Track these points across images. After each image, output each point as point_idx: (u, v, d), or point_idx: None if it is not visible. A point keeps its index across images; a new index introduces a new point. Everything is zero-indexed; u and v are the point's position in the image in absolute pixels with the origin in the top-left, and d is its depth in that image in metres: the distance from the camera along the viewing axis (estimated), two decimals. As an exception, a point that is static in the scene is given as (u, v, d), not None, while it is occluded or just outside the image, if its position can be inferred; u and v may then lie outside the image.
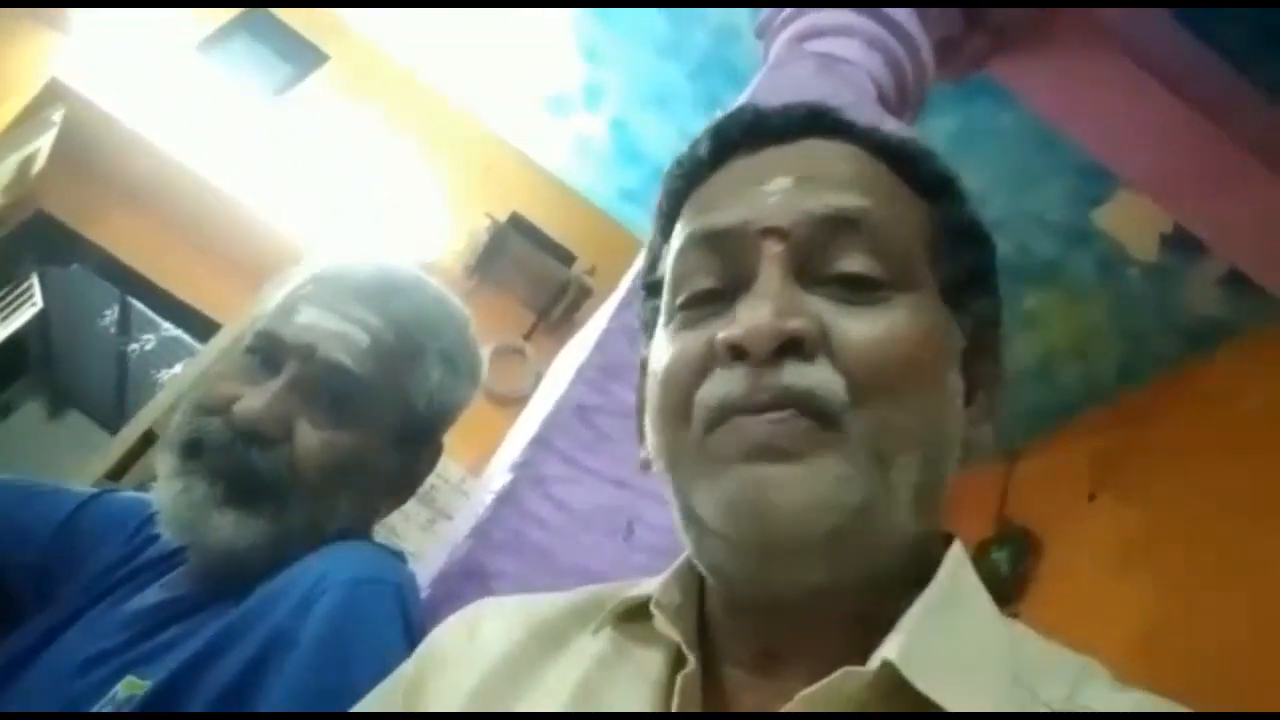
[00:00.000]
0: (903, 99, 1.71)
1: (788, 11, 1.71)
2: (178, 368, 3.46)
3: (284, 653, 0.71)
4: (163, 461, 0.86)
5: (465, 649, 0.60)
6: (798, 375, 0.47)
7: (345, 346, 0.87)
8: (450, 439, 1.02)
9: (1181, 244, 2.53)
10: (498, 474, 1.07)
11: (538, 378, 2.21)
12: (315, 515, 0.84)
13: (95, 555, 0.92)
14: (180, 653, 0.75)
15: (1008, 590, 2.77)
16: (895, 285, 0.52)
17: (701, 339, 0.51)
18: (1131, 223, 2.60)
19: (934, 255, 0.55)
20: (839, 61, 1.59)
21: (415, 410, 0.92)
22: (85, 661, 0.79)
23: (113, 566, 0.91)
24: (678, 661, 0.51)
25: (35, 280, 3.37)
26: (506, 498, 1.00)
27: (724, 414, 0.48)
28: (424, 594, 0.92)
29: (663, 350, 0.54)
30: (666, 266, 0.58)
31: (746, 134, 0.58)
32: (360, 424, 0.87)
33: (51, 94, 2.84)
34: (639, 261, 1.26)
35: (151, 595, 0.86)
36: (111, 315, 3.94)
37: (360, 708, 0.63)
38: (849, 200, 0.53)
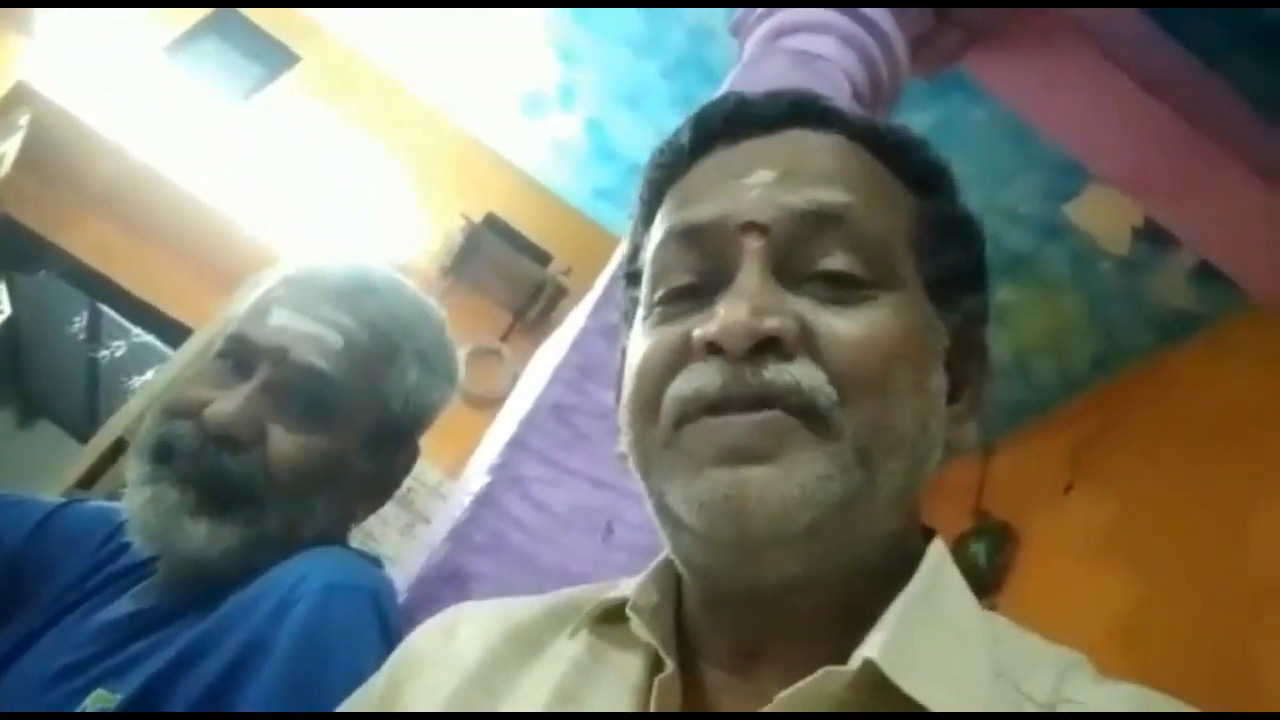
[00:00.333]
0: (876, 95, 1.71)
1: (762, 9, 1.72)
2: (149, 374, 3.41)
3: (258, 661, 0.70)
4: (132, 468, 0.84)
5: (442, 654, 0.59)
6: (780, 372, 0.47)
7: (318, 349, 0.86)
8: (428, 442, 1.00)
9: (1153, 237, 2.56)
10: (475, 476, 1.06)
11: (515, 379, 2.20)
12: (290, 520, 0.83)
13: (64, 566, 0.90)
14: (152, 664, 0.73)
15: (986, 582, 2.79)
16: (878, 284, 0.51)
17: (677, 334, 0.50)
18: (1103, 216, 2.63)
19: (920, 250, 0.54)
20: (814, 58, 1.59)
21: (391, 412, 0.91)
22: (54, 675, 0.77)
23: (82, 577, 0.89)
24: (656, 664, 0.50)
25: (2, 287, 3.32)
26: (485, 499, 0.99)
27: (697, 408, 0.47)
28: (402, 598, 0.91)
29: (638, 344, 0.53)
30: (646, 259, 0.57)
31: (728, 123, 0.57)
32: (335, 427, 0.86)
33: (17, 98, 2.80)
34: (615, 261, 1.26)
35: (121, 606, 0.84)
36: (81, 322, 3.88)
37: None
38: (832, 196, 0.52)
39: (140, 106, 2.95)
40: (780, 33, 1.65)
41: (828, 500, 0.46)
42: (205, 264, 3.03)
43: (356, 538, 0.97)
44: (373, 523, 2.67)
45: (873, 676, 0.43)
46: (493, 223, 3.30)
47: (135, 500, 0.81)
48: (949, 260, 0.55)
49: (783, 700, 0.43)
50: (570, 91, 3.06)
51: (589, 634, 0.55)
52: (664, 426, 0.49)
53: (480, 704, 0.54)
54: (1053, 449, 3.01)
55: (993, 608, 0.54)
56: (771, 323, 0.47)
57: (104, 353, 3.91)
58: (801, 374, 0.47)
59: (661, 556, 0.55)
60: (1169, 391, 2.75)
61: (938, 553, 0.52)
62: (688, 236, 0.53)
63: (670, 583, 0.54)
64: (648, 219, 0.59)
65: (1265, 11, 1.93)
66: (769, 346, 0.47)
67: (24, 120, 2.74)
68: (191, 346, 2.61)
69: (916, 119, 2.39)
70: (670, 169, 0.58)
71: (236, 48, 3.04)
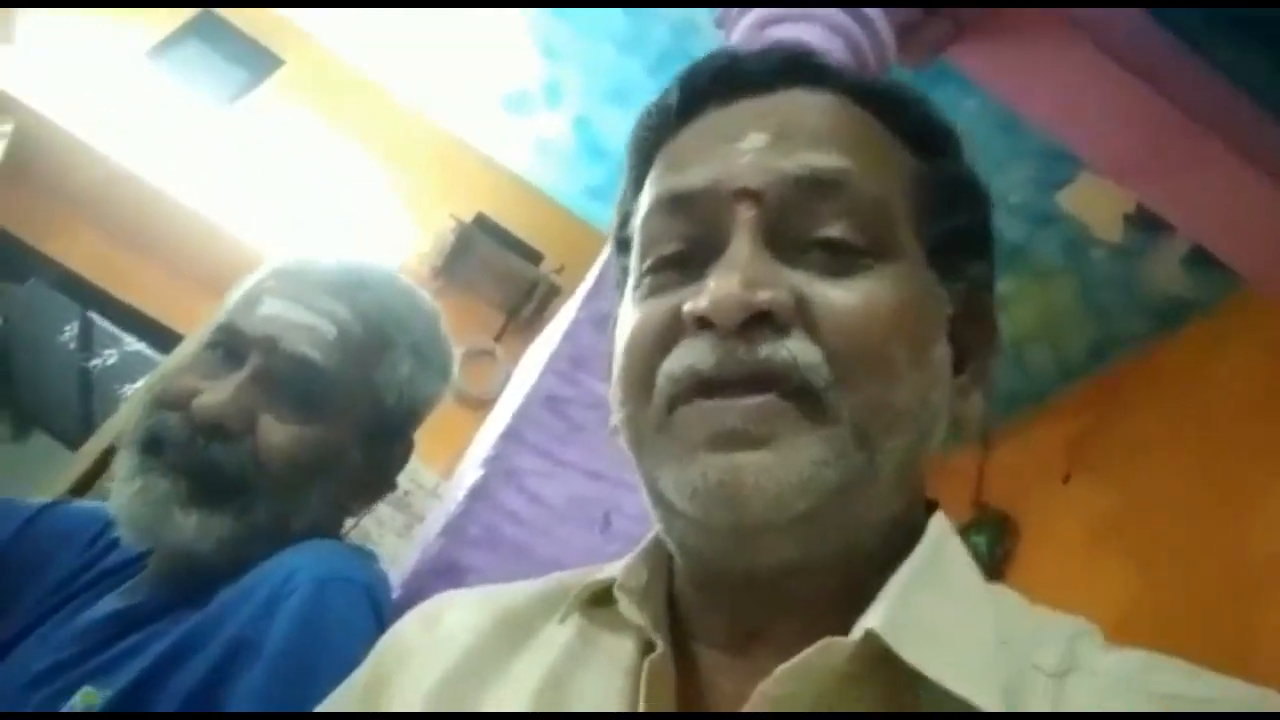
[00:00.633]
0: (865, 83, 1.71)
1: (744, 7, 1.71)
2: (141, 382, 3.40)
3: (250, 657, 0.68)
4: (121, 460, 0.82)
5: (427, 643, 0.57)
6: (774, 348, 0.45)
7: (310, 339, 0.84)
8: (424, 443, 0.99)
9: (1145, 223, 2.56)
10: (469, 469, 1.05)
11: (509, 379, 2.19)
12: (281, 512, 0.82)
13: (50, 567, 0.89)
14: (141, 661, 0.72)
15: (987, 573, 2.77)
16: (876, 253, 0.49)
17: (667, 307, 0.49)
18: (1095, 204, 2.63)
19: (922, 215, 0.52)
20: (800, 47, 1.58)
21: (385, 405, 0.90)
22: (39, 675, 0.76)
23: (69, 578, 0.88)
24: (649, 646, 0.49)
25: (-9, 298, 3.30)
26: (479, 492, 0.98)
27: (689, 386, 0.46)
28: (397, 594, 0.90)
29: (628, 317, 0.52)
30: (635, 226, 0.54)
31: (718, 83, 0.54)
32: (327, 418, 0.85)
33: (-1, 106, 2.78)
34: (604, 254, 1.25)
35: (109, 603, 0.82)
36: (72, 331, 3.86)
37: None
38: (827, 160, 0.49)
39: (124, 112, 2.94)
40: (765, 23, 1.65)
41: (825, 486, 0.44)
42: (193, 270, 3.01)
43: (354, 540, 0.96)
44: (370, 525, 2.66)
45: (875, 648, 0.42)
46: (483, 223, 3.29)
47: (124, 493, 0.80)
48: (952, 225, 0.53)
49: (783, 672, 0.42)
50: (556, 90, 3.05)
51: (579, 617, 0.54)
52: (657, 408, 0.47)
53: (470, 691, 0.52)
54: (1051, 439, 3.00)
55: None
56: (765, 295, 0.45)
57: (95, 362, 3.89)
58: (797, 350, 0.45)
59: (651, 535, 0.54)
60: (1166, 379, 2.75)
61: (940, 526, 0.50)
62: (677, 204, 0.51)
63: (661, 561, 0.53)
64: (637, 184, 0.57)
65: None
66: (762, 320, 0.45)
67: (6, 129, 2.72)
68: (181, 352, 2.60)
69: (906, 109, 2.39)
70: (659, 131, 0.56)
71: (219, 52, 3.02)
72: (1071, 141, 2.27)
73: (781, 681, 0.42)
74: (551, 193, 3.42)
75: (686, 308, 0.46)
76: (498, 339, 3.26)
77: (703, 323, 0.46)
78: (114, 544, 0.88)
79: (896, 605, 0.44)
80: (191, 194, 2.99)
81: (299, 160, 3.17)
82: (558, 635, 0.54)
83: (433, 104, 3.31)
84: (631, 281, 0.54)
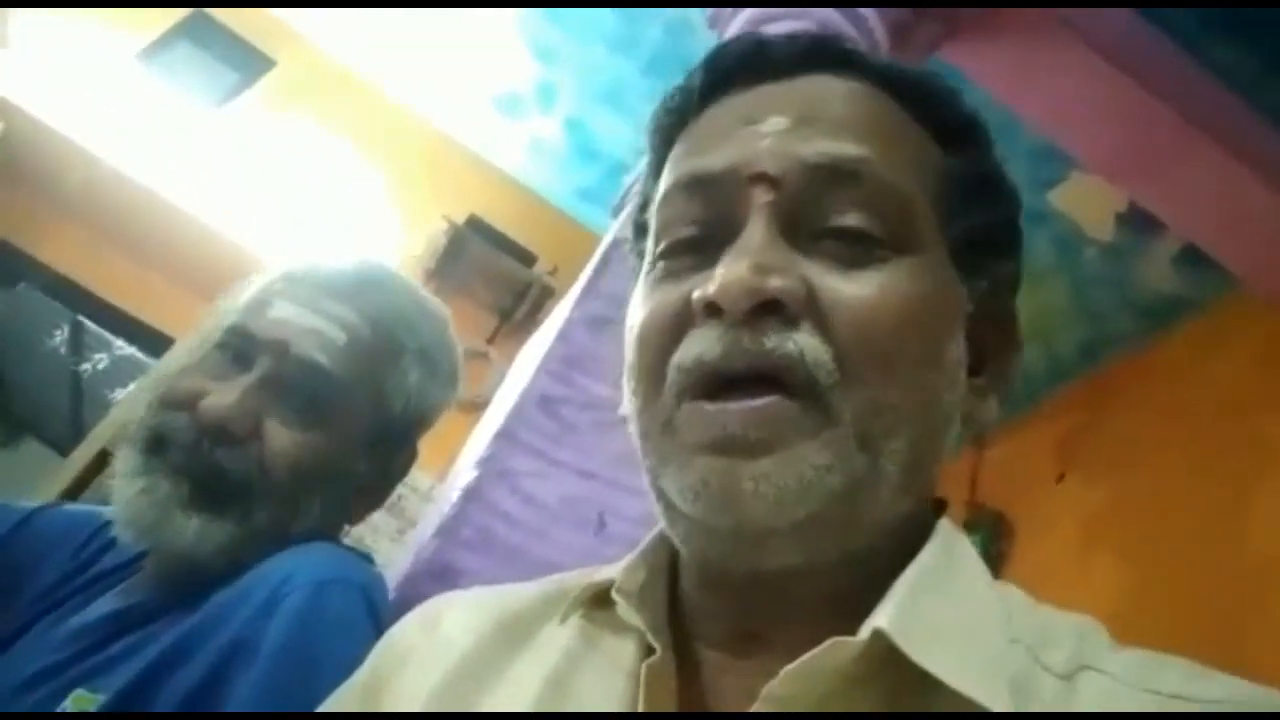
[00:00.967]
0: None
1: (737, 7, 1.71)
2: (132, 386, 3.38)
3: (248, 657, 0.68)
4: (123, 458, 0.81)
5: (427, 644, 0.56)
6: (780, 340, 0.44)
7: (320, 343, 0.84)
8: (418, 447, 0.98)
9: (1137, 222, 2.57)
10: (463, 470, 1.05)
11: (503, 380, 2.18)
12: (283, 517, 0.81)
13: (43, 570, 0.88)
14: (136, 663, 0.71)
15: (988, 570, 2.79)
16: (894, 245, 0.47)
17: (677, 295, 0.48)
18: (1087, 203, 2.63)
19: (944, 209, 0.50)
20: (793, 46, 1.58)
21: (391, 411, 0.89)
22: (33, 677, 0.75)
23: (62, 580, 0.87)
24: (650, 649, 0.48)
25: (-20, 302, 3.28)
26: (473, 494, 0.97)
27: (698, 379, 0.45)
28: (391, 596, 0.89)
29: (641, 304, 0.50)
30: (652, 210, 0.54)
31: (743, 67, 0.53)
32: (333, 424, 0.84)
33: (-11, 110, 2.77)
34: (598, 254, 1.24)
35: (103, 605, 0.81)
36: (62, 335, 3.83)
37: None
38: (847, 148, 0.48)
39: (115, 115, 2.93)
40: (758, 23, 1.64)
41: (827, 491, 0.43)
42: (185, 272, 3.01)
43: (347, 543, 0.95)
44: (363, 530, 2.65)
45: (882, 648, 0.41)
46: (476, 224, 3.29)
47: (126, 492, 0.79)
48: (976, 221, 0.52)
49: (789, 673, 0.41)
50: (548, 91, 3.05)
51: (580, 618, 0.53)
52: (665, 403, 0.47)
53: (470, 693, 0.52)
54: (1044, 438, 3.01)
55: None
56: (774, 283, 0.44)
57: (86, 366, 3.87)
58: (805, 345, 0.44)
59: (654, 533, 0.53)
60: (1158, 377, 2.76)
61: (948, 526, 0.50)
62: (694, 186, 0.50)
63: (662, 560, 0.52)
64: (657, 166, 0.55)
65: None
66: (771, 309, 0.44)
67: (-2, 131, 2.71)
68: (173, 355, 2.59)
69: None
70: (680, 114, 0.55)
71: (210, 53, 3.02)
72: (1063, 140, 2.27)
73: (787, 682, 0.41)
74: (544, 194, 3.42)
75: (695, 294, 0.46)
76: (491, 341, 3.26)
77: (711, 309, 0.45)
78: (108, 546, 0.87)
79: (904, 605, 0.43)
80: (183, 196, 2.98)
81: (291, 162, 3.16)
82: (558, 637, 0.53)
83: (425, 105, 3.31)
84: (646, 265, 0.53)
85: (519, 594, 0.58)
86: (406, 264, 3.16)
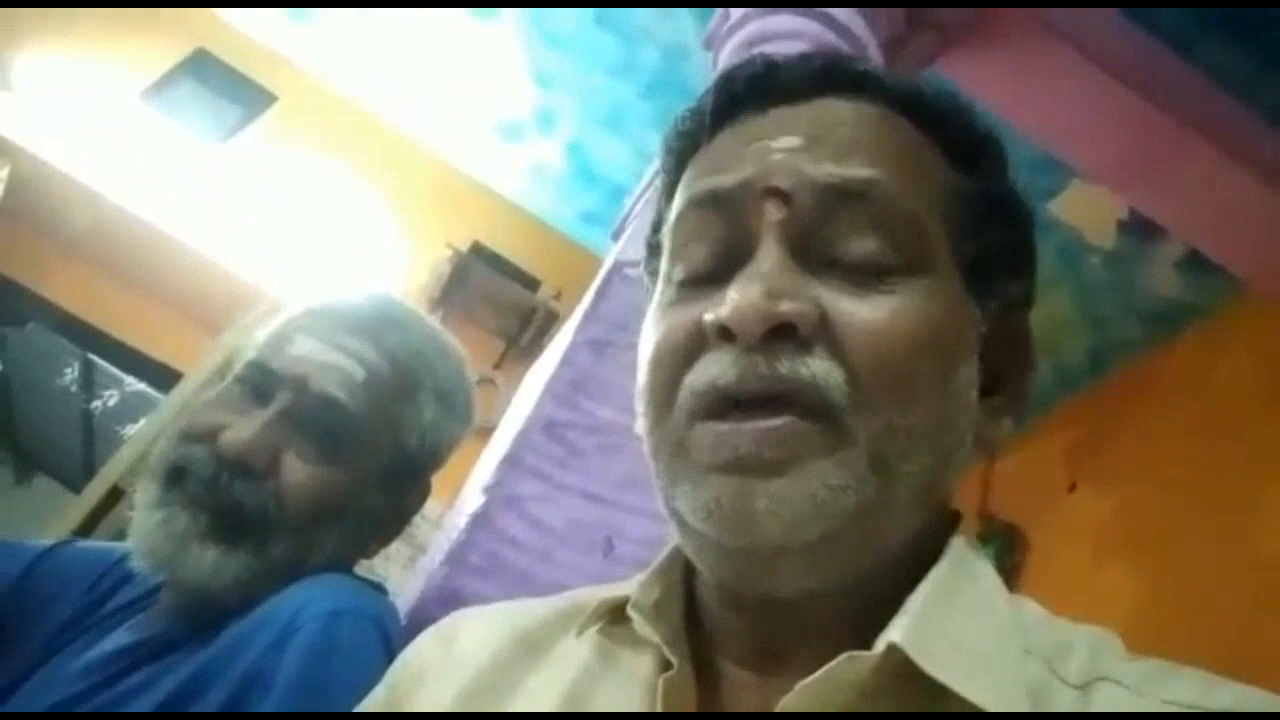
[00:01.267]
0: (853, 100, 1.72)
1: (735, 18, 1.72)
2: (142, 422, 3.39)
3: (262, 690, 0.68)
4: (143, 490, 0.82)
5: (443, 660, 0.57)
6: (795, 364, 0.44)
7: (339, 379, 0.85)
8: (430, 475, 0.99)
9: (1138, 228, 2.57)
10: (470, 496, 1.05)
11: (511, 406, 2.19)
12: (298, 551, 0.82)
13: (56, 607, 0.89)
14: (152, 695, 0.72)
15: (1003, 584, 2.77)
16: (906, 267, 0.47)
17: (690, 317, 0.48)
18: (1088, 211, 2.64)
19: (956, 230, 0.50)
20: (787, 66, 1.60)
21: (406, 447, 0.90)
22: (48, 710, 0.75)
23: (75, 618, 0.87)
24: (667, 663, 0.48)
25: (-10, 343, 3.31)
26: (480, 520, 0.98)
27: (711, 401, 0.45)
28: (402, 624, 0.89)
29: (653, 327, 0.51)
30: (667, 230, 0.54)
31: (754, 91, 0.53)
32: (349, 460, 0.85)
33: (-5, 152, 2.80)
34: (600, 276, 1.25)
35: (119, 638, 0.82)
36: (72, 373, 3.86)
37: None
38: (857, 170, 0.48)
39: (120, 153, 2.96)
40: (753, 43, 1.66)
41: (841, 511, 0.43)
42: (193, 307, 3.03)
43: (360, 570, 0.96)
44: (375, 558, 2.65)
45: (897, 662, 0.42)
46: (480, 251, 3.31)
47: (145, 523, 0.80)
48: (989, 242, 0.51)
49: (805, 686, 0.42)
50: (548, 117, 3.07)
51: (597, 634, 0.54)
52: (677, 423, 0.47)
53: (488, 706, 0.52)
54: (1054, 449, 3.00)
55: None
56: (787, 307, 0.44)
57: (96, 403, 3.89)
58: (818, 369, 0.44)
59: (669, 550, 0.54)
60: (1166, 384, 2.75)
61: (962, 540, 0.50)
62: (709, 203, 0.50)
63: (677, 577, 0.53)
64: (670, 190, 0.56)
65: (1233, -3, 1.95)
66: (785, 334, 0.44)
67: (3, 173, 2.74)
68: (181, 392, 2.60)
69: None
70: (693, 137, 0.55)
71: (213, 90, 3.06)
72: (1060, 149, 2.28)
73: (803, 695, 0.42)
74: (547, 219, 3.44)
75: (708, 317, 0.46)
76: (498, 366, 3.26)
77: (724, 333, 0.45)
78: (122, 582, 0.88)
79: (919, 619, 0.43)
80: (189, 232, 3.01)
81: (295, 194, 3.19)
82: (574, 652, 0.53)
83: (426, 134, 3.34)
84: (660, 286, 0.53)
85: (534, 609, 0.59)
86: (412, 292, 3.17)
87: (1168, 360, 2.78)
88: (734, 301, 0.45)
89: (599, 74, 2.85)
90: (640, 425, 0.51)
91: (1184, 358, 2.73)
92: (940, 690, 0.41)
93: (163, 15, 3.12)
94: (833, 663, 0.42)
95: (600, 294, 1.19)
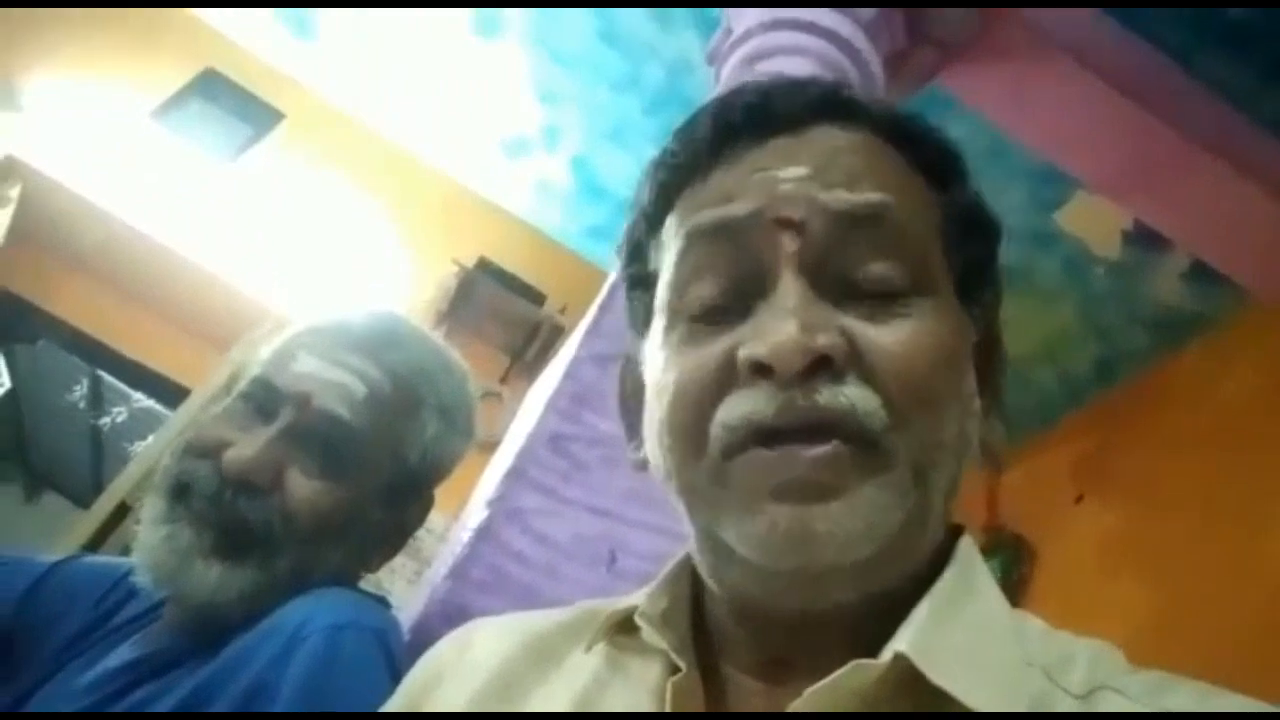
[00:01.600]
0: (855, 115, 1.72)
1: (736, 35, 1.73)
2: (151, 438, 3.41)
3: (266, 704, 0.69)
4: (149, 505, 0.83)
5: (458, 665, 0.58)
6: (834, 395, 0.44)
7: (341, 396, 0.85)
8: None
9: (1144, 239, 2.57)
10: (475, 510, 1.05)
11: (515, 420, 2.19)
12: (302, 566, 0.82)
13: (63, 622, 0.89)
14: (156, 710, 0.72)
15: (1005, 597, 2.76)
16: (917, 289, 0.49)
17: (716, 353, 0.48)
18: (1093, 222, 2.64)
19: (948, 247, 0.52)
20: (789, 81, 1.60)
21: (408, 464, 0.91)
22: None
23: (81, 633, 0.88)
24: (675, 669, 0.49)
25: (1, 360, 3.33)
26: (484, 534, 0.98)
27: (748, 436, 0.45)
28: (406, 639, 0.90)
29: (669, 363, 0.50)
30: (665, 264, 0.53)
31: (750, 122, 0.53)
32: (352, 476, 0.86)
33: (6, 171, 2.82)
34: (604, 291, 1.26)
35: (123, 653, 0.83)
36: (81, 390, 3.89)
37: None
38: (869, 195, 0.49)
39: (130, 172, 2.98)
40: (755, 58, 1.67)
41: (890, 529, 0.45)
42: (201, 325, 3.05)
43: (366, 584, 0.96)
44: (380, 572, 2.65)
45: (904, 671, 0.43)
46: (485, 266, 3.32)
47: (150, 539, 0.81)
48: (973, 255, 0.54)
49: (812, 694, 0.42)
50: (553, 133, 3.09)
51: (606, 645, 0.54)
52: (712, 458, 0.47)
53: (498, 710, 0.54)
54: (1061, 460, 2.99)
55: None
56: (824, 340, 0.45)
57: (105, 420, 3.92)
58: (856, 397, 0.45)
59: (675, 562, 0.55)
60: (1172, 395, 2.74)
61: (967, 550, 0.51)
62: (719, 234, 0.50)
63: (685, 589, 0.54)
64: (655, 219, 0.55)
65: (1231, 9, 1.96)
66: (820, 366, 0.45)
67: (14, 193, 2.76)
68: (189, 408, 2.61)
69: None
70: (686, 170, 0.54)
71: (222, 109, 3.08)
72: (1063, 162, 2.29)
73: (810, 702, 0.43)
74: (552, 234, 3.45)
75: (743, 353, 0.46)
76: (503, 381, 3.27)
77: (759, 368, 0.45)
78: (129, 597, 0.89)
79: (925, 629, 0.44)
80: (198, 250, 3.03)
81: (303, 212, 3.21)
82: (585, 663, 0.54)
83: (432, 151, 3.36)
84: (662, 323, 0.52)
85: (546, 619, 0.60)
86: (418, 308, 3.19)
87: (1174, 371, 2.78)
88: (771, 337, 0.45)
89: (603, 90, 2.87)
90: (660, 461, 0.51)
91: (1191, 368, 2.73)
92: (944, 699, 0.42)
93: (172, 36, 3.15)
94: (840, 670, 0.42)
95: (604, 308, 1.19)
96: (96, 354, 3.23)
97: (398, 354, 0.91)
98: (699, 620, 0.53)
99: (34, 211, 2.85)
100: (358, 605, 0.81)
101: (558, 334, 3.27)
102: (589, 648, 0.54)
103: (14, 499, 4.45)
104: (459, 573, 0.96)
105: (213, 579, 0.79)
